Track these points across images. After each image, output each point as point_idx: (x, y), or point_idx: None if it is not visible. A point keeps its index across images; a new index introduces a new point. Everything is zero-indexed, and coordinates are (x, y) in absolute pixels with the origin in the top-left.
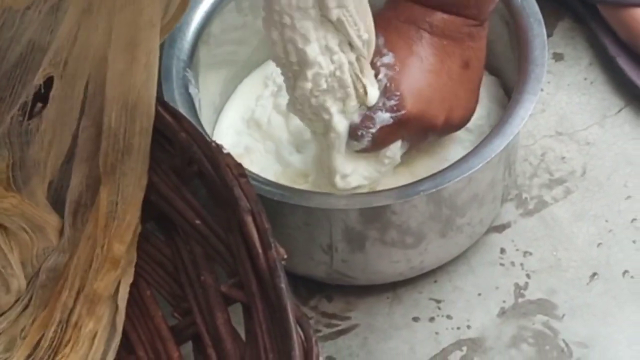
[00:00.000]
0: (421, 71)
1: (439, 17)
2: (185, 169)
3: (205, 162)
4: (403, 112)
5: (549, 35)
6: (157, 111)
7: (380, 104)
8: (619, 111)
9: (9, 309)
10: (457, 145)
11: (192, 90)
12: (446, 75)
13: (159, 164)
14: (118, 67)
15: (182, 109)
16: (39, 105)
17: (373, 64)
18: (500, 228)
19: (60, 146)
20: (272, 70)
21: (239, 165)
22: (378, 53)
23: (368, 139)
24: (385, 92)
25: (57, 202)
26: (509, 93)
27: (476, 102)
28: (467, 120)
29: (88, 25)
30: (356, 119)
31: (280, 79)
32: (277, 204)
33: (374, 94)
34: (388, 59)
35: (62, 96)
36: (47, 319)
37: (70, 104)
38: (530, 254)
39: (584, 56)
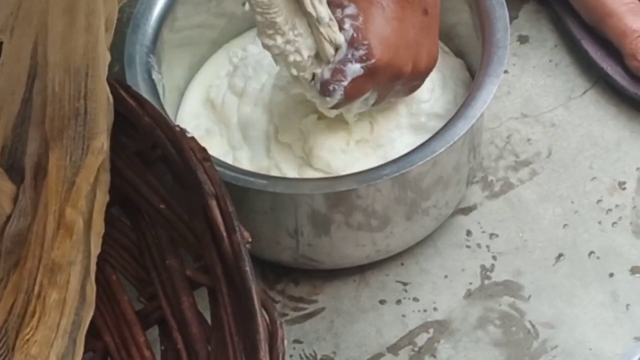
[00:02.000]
0: (385, 19)
1: None
2: (149, 154)
3: (169, 146)
4: (373, 60)
5: (514, 17)
6: (120, 96)
7: (349, 55)
8: (584, 93)
9: None
10: (429, 133)
11: (155, 76)
12: (408, 22)
13: (123, 149)
14: (57, 31)
15: (146, 95)
16: None
17: (335, 17)
18: (467, 210)
19: (10, 112)
20: (231, 51)
21: (203, 149)
22: (339, 5)
23: (340, 93)
24: (352, 43)
25: (12, 168)
26: (474, 75)
27: (437, 49)
28: (432, 67)
29: None
30: (326, 74)
31: (236, 59)
32: (242, 190)
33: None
34: (350, 10)
35: (9, 63)
36: (17, 285)
37: (17, 70)
38: (497, 235)
39: (549, 38)
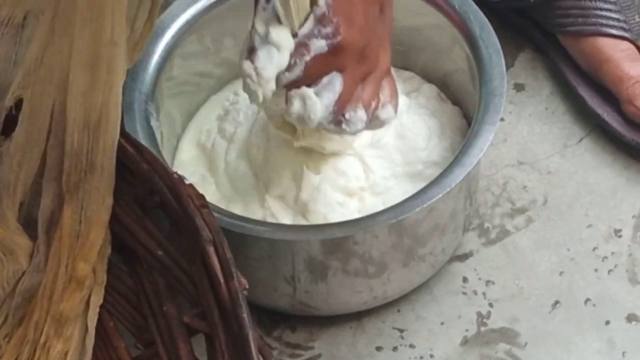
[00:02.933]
0: (351, 4)
1: None
2: (147, 200)
3: (167, 192)
4: (339, 39)
5: (510, 65)
6: (118, 142)
7: (316, 31)
8: (580, 140)
9: None
10: (426, 181)
11: (153, 123)
12: (370, 15)
13: (121, 195)
14: (79, 87)
15: (144, 142)
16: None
17: None
18: (463, 257)
19: (30, 167)
20: (224, 95)
21: (201, 196)
22: None
23: (300, 68)
24: (321, 20)
25: (29, 223)
26: (471, 122)
27: (389, 49)
28: (387, 65)
29: (52, 46)
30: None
31: (227, 103)
32: (239, 236)
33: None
34: None
35: (30, 118)
36: (21, 339)
37: (38, 126)
38: (493, 282)
39: (545, 86)
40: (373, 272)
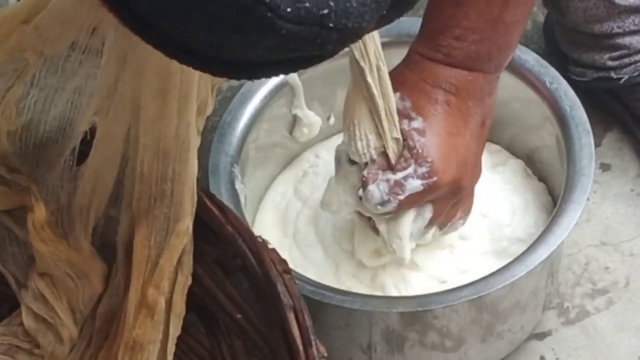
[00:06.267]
0: (449, 135)
1: (464, 77)
2: (229, 263)
3: (250, 256)
4: (435, 179)
5: (597, 145)
6: (203, 203)
7: (412, 171)
8: None
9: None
10: (511, 258)
11: (238, 186)
12: (469, 136)
13: (203, 257)
14: (149, 114)
15: (228, 204)
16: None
17: (402, 129)
18: (541, 336)
19: (103, 192)
20: (304, 156)
21: (283, 261)
22: (406, 116)
23: (394, 205)
24: (417, 159)
25: (103, 247)
26: (556, 199)
27: (481, 161)
28: (476, 182)
29: (125, 75)
30: (383, 188)
31: (307, 165)
32: (317, 303)
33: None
34: (417, 123)
35: (103, 144)
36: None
37: (111, 151)
38: None
39: (631, 167)
40: (450, 346)
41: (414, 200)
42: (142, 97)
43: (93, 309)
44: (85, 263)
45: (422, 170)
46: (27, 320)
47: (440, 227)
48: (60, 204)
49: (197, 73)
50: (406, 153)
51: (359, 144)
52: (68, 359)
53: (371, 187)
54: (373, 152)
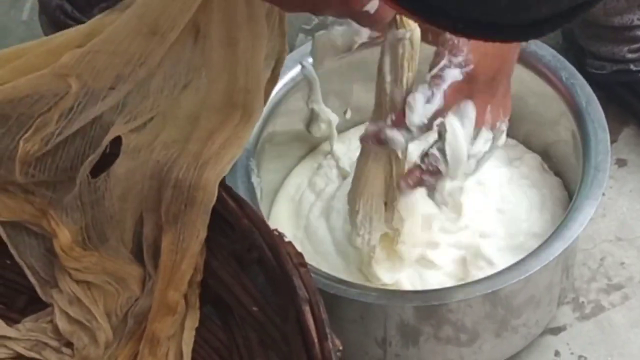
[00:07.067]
0: None
1: None
2: (245, 255)
3: (266, 249)
4: (471, 66)
5: (614, 141)
6: (220, 196)
7: (447, 62)
8: None
9: None
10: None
11: (254, 179)
12: None
13: (219, 249)
14: (207, 126)
15: (244, 197)
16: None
17: None
18: (556, 330)
19: (134, 198)
20: (319, 149)
21: (299, 254)
22: None
23: (440, 97)
24: (451, 50)
25: (140, 252)
26: (572, 194)
27: (514, 65)
28: (509, 81)
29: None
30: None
31: (322, 157)
32: (333, 297)
33: None
34: None
35: (135, 151)
36: (127, 357)
37: (141, 159)
38: (585, 358)
39: None
40: (465, 340)
41: (456, 91)
42: (204, 110)
43: (126, 312)
44: (122, 269)
45: (458, 59)
46: (61, 323)
47: (493, 132)
48: (83, 221)
49: (260, 91)
50: (440, 48)
51: None
52: None
53: (412, 95)
54: None
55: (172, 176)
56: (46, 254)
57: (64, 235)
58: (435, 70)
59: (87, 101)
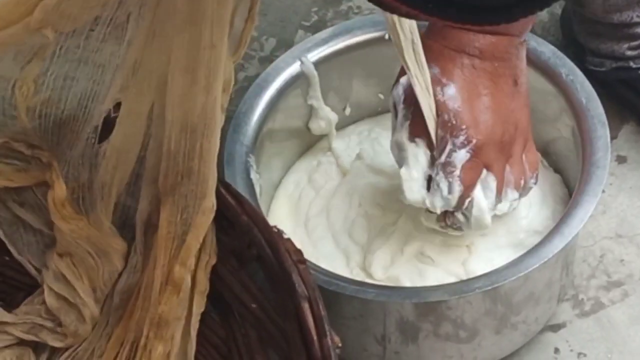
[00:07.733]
0: (479, 96)
1: (487, 41)
2: (245, 252)
3: (265, 246)
4: (474, 141)
5: (613, 137)
6: (219, 192)
7: (451, 146)
8: None
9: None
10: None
11: (253, 175)
12: (500, 94)
13: (218, 246)
14: (177, 90)
15: (244, 193)
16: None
17: (436, 97)
18: (556, 327)
19: (124, 169)
20: (318, 146)
21: (298, 251)
22: (438, 83)
23: (458, 184)
24: (451, 132)
25: (124, 225)
26: (572, 191)
27: (528, 113)
28: (527, 133)
29: (151, 49)
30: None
31: (321, 155)
32: (332, 294)
33: None
34: (450, 90)
35: (127, 121)
36: (120, 338)
37: (135, 129)
38: (585, 355)
39: None
40: (464, 337)
41: (471, 172)
42: (169, 73)
43: (112, 287)
44: (106, 241)
45: (460, 139)
46: (50, 300)
47: (519, 191)
48: (81, 181)
49: (224, 48)
50: (440, 131)
51: None
52: (90, 336)
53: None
54: None
55: (163, 148)
56: (44, 250)
57: (60, 188)
58: (443, 158)
59: (69, 44)
